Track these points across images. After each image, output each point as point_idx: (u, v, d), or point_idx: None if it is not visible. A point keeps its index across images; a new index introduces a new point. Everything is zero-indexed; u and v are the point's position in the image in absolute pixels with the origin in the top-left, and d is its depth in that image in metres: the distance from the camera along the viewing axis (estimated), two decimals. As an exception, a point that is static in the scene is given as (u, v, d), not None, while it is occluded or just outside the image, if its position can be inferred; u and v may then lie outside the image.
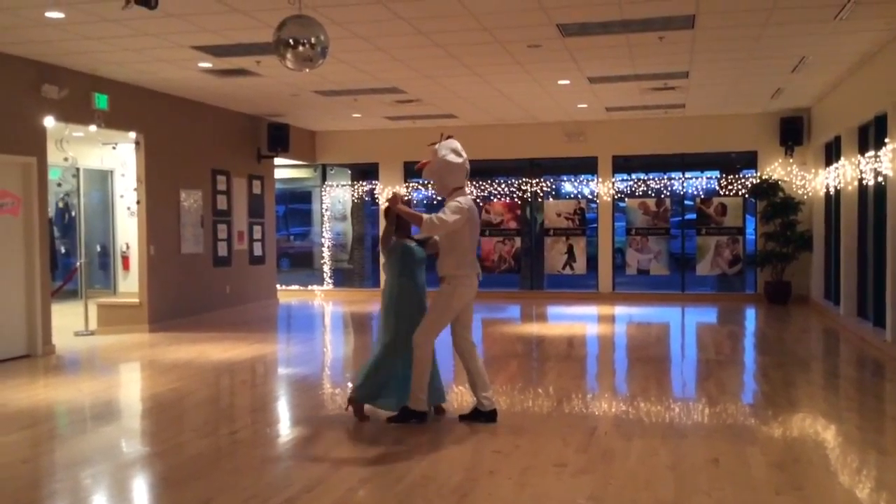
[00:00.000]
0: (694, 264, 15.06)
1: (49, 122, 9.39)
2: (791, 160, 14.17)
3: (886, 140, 9.10)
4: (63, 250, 13.70)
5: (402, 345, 5.90)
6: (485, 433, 5.70)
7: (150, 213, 11.22)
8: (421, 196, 16.02)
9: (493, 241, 15.75)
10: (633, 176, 15.66)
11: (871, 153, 9.91)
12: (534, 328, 12.09)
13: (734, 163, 15.55)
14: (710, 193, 14.97)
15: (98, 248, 13.76)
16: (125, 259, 13.20)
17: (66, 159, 10.36)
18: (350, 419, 6.03)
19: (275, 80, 10.65)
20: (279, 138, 14.24)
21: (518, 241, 15.76)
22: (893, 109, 8.90)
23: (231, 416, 6.76)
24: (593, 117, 14.63)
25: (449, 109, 13.51)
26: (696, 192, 15.10)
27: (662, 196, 15.07)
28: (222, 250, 13.09)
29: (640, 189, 15.16)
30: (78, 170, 11.75)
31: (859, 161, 10.49)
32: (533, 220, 16.14)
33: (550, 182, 15.70)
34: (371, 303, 14.69)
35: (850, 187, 11.07)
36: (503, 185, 15.68)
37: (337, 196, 16.91)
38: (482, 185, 15.63)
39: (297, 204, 21.45)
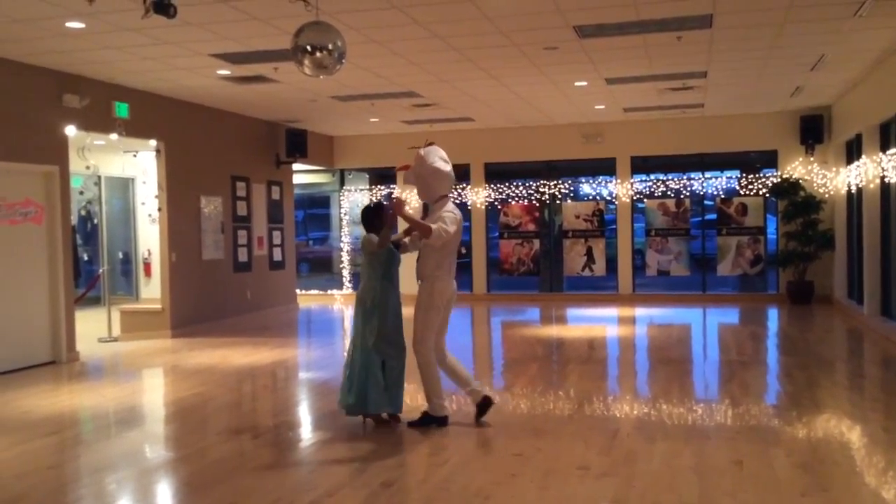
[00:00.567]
0: (715, 265, 14.97)
1: (71, 130, 9.51)
2: (812, 159, 14.05)
3: (909, 137, 9.02)
4: (86, 258, 13.84)
5: (384, 344, 5.89)
6: (506, 437, 5.70)
7: (171, 220, 11.33)
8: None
9: (511, 243, 15.74)
10: (652, 176, 15.58)
11: (893, 151, 9.81)
12: (554, 330, 12.05)
13: (754, 162, 15.43)
14: (731, 193, 14.85)
15: (120, 255, 13.88)
16: (147, 266, 13.29)
17: (87, 167, 10.46)
18: (370, 423, 6.06)
19: (292, 86, 10.72)
20: (297, 144, 14.30)
21: (537, 244, 15.72)
22: (915, 106, 8.83)
23: (253, 420, 6.80)
24: (611, 118, 14.58)
25: (466, 112, 13.52)
26: (716, 192, 14.99)
27: (682, 196, 14.98)
28: (242, 256, 13.17)
29: (660, 190, 15.09)
30: (100, 178, 11.88)
31: (881, 159, 10.38)
32: (551, 222, 16.10)
33: (569, 184, 15.66)
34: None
35: (872, 185, 10.95)
36: (521, 188, 15.63)
37: (355, 200, 16.95)
38: (500, 187, 15.56)
39: (316, 209, 21.52)
